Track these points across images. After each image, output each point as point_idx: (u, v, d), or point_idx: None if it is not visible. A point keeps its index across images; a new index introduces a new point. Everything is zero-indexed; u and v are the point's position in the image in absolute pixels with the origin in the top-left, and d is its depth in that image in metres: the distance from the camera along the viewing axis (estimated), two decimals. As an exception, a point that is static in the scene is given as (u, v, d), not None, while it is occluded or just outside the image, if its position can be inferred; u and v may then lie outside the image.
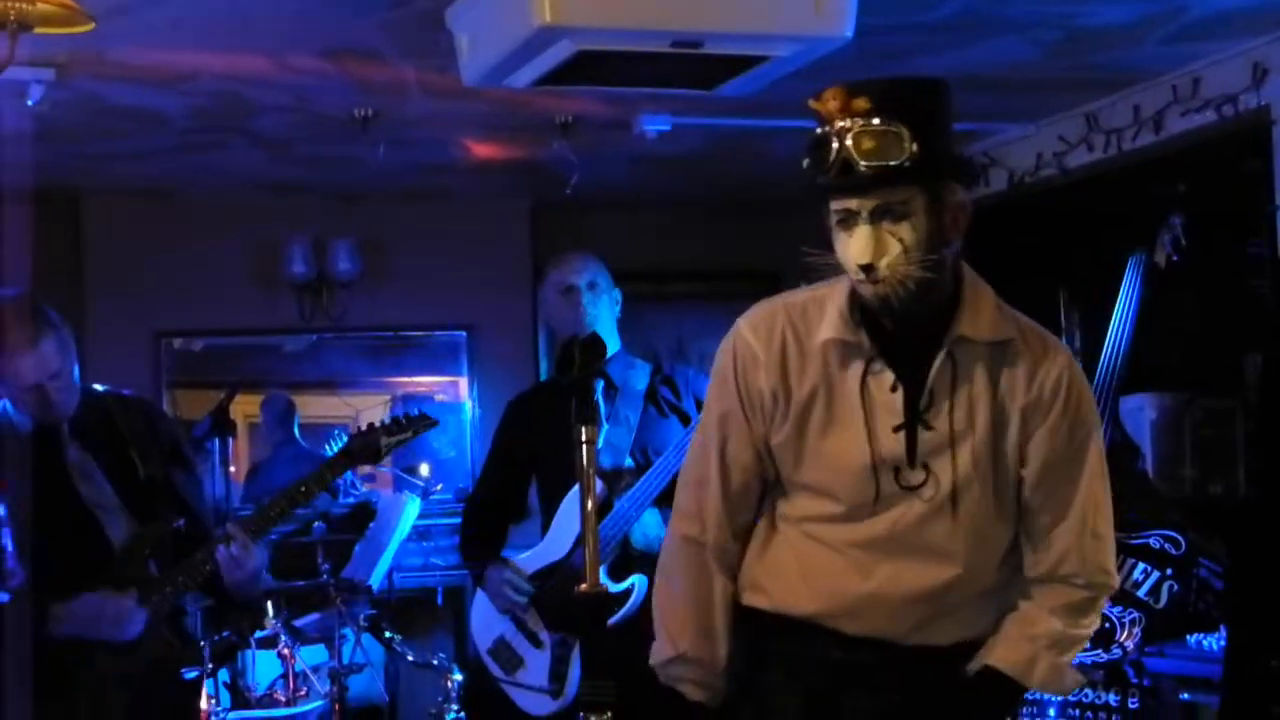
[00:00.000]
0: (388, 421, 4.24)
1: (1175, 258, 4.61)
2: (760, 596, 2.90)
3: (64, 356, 3.84)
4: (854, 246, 2.68)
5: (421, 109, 5.75)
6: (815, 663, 2.84)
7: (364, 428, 4.25)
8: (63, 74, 5.09)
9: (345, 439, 4.23)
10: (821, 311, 2.89)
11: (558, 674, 4.61)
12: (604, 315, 4.74)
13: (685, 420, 4.73)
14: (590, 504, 2.52)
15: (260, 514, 4.03)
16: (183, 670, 4.07)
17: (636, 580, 4.51)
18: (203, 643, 5.35)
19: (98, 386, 4.07)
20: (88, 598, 3.77)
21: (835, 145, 2.66)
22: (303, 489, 4.03)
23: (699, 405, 4.75)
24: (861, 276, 2.66)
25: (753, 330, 2.97)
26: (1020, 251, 6.91)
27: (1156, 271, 4.58)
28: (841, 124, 2.66)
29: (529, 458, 4.82)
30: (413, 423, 4.22)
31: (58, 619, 3.74)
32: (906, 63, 5.08)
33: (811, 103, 2.73)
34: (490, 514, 4.98)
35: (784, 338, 2.89)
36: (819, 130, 2.70)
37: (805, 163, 2.71)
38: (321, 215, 7.56)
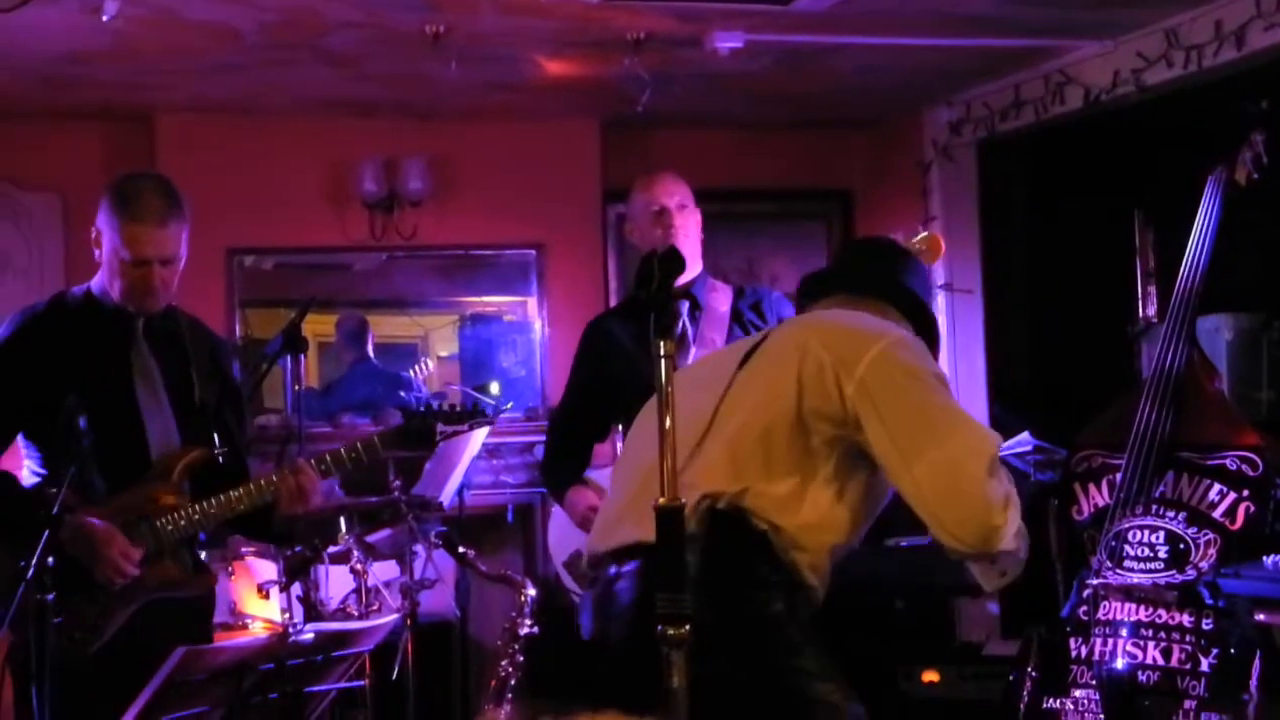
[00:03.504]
0: (445, 408, 4.22)
1: (1256, 176, 4.53)
2: None
3: (181, 246, 3.91)
4: None
5: (493, 24, 5.73)
6: None
7: (416, 410, 4.23)
8: (137, -12, 5.12)
9: (408, 401, 4.21)
10: None
11: None
12: (692, 237, 4.74)
13: None
14: (669, 420, 2.52)
15: (329, 456, 4.04)
16: (195, 593, 4.05)
17: None
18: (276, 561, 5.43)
19: (173, 302, 4.07)
20: (82, 525, 3.74)
21: None
22: (355, 450, 4.03)
23: None
24: None
25: None
26: (1095, 170, 6.86)
27: (1237, 189, 4.50)
28: None
29: (611, 376, 4.81)
30: (470, 416, 4.22)
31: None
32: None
33: None
34: (573, 434, 4.99)
35: None
36: None
37: None
38: (392, 133, 7.55)
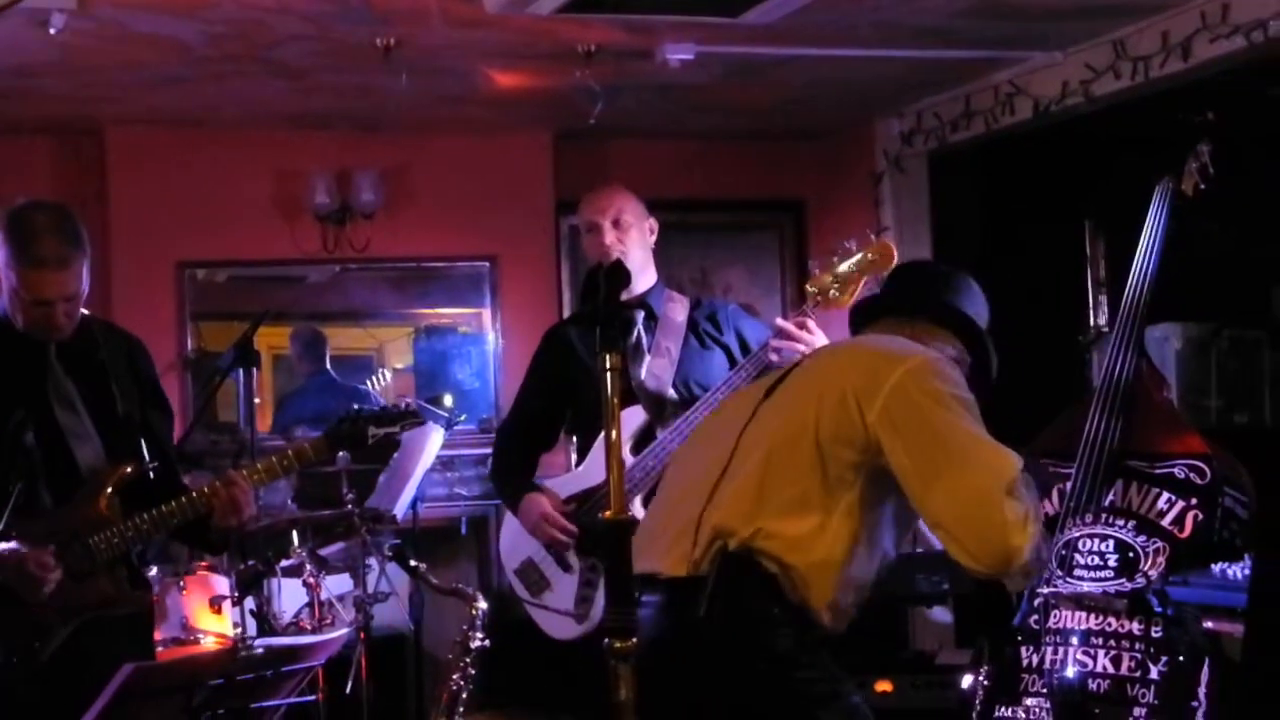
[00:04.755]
0: (376, 410, 4.19)
1: (1202, 186, 4.56)
2: None
3: (83, 280, 3.79)
4: None
5: (443, 37, 5.73)
6: None
7: (352, 412, 4.20)
8: (84, 3, 5.08)
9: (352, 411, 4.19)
10: None
11: (584, 598, 4.63)
12: (633, 250, 4.73)
13: (727, 353, 4.74)
14: (615, 432, 2.52)
15: (261, 465, 3.98)
16: (131, 609, 4.00)
17: None
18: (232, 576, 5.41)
19: (85, 312, 3.95)
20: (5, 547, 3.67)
21: None
22: (287, 457, 3.98)
23: (741, 340, 4.76)
24: None
25: None
26: (1046, 181, 6.90)
27: (1183, 200, 4.53)
28: None
29: (563, 386, 4.82)
30: (402, 417, 4.18)
31: None
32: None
33: None
34: (523, 441, 4.99)
35: None
36: None
37: None
38: (344, 146, 7.54)
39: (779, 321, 4.52)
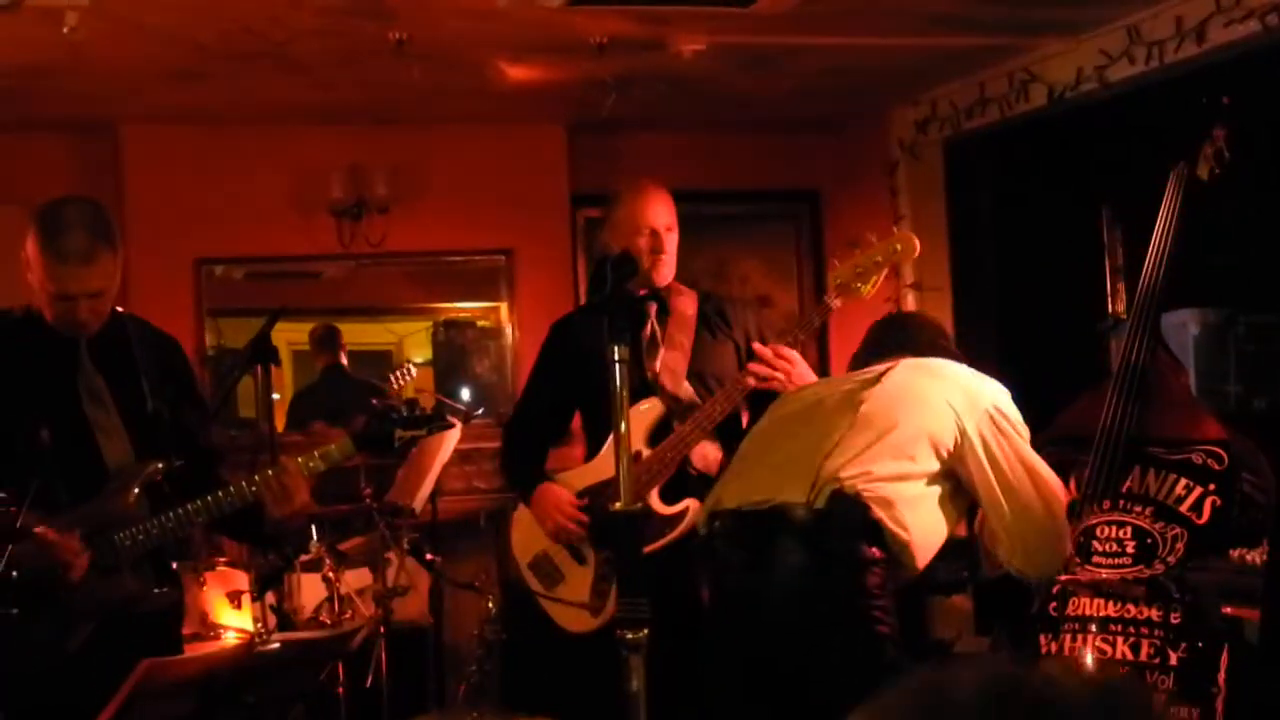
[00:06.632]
0: (405, 414, 4.16)
1: (1219, 171, 4.54)
2: None
3: (111, 279, 3.81)
4: None
5: (455, 31, 5.73)
6: None
7: (380, 413, 4.16)
8: (97, 0, 5.09)
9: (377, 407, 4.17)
10: None
11: (600, 591, 4.63)
12: (675, 254, 4.74)
13: (737, 349, 4.74)
14: (624, 423, 2.52)
15: (318, 452, 3.97)
16: (155, 607, 4.00)
17: (691, 504, 4.52)
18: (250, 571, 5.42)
19: (119, 309, 3.99)
20: (33, 538, 3.66)
21: None
22: (314, 458, 3.96)
23: (747, 335, 4.76)
24: None
25: None
26: (1062, 167, 6.87)
27: (1199, 185, 4.51)
28: None
29: (573, 378, 4.80)
30: (428, 419, 4.15)
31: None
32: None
33: None
34: (533, 435, 4.98)
35: None
36: None
37: None
38: (358, 140, 7.55)
39: (756, 346, 4.55)
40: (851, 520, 3.65)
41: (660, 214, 4.71)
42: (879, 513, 3.66)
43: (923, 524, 3.74)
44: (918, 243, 4.53)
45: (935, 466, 3.77)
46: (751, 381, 4.45)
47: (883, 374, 3.96)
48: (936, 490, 3.79)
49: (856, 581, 3.63)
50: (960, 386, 3.86)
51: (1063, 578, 4.20)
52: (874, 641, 3.63)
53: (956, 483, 3.82)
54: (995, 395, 3.86)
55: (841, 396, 3.96)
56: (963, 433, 3.74)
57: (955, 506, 3.86)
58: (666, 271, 4.72)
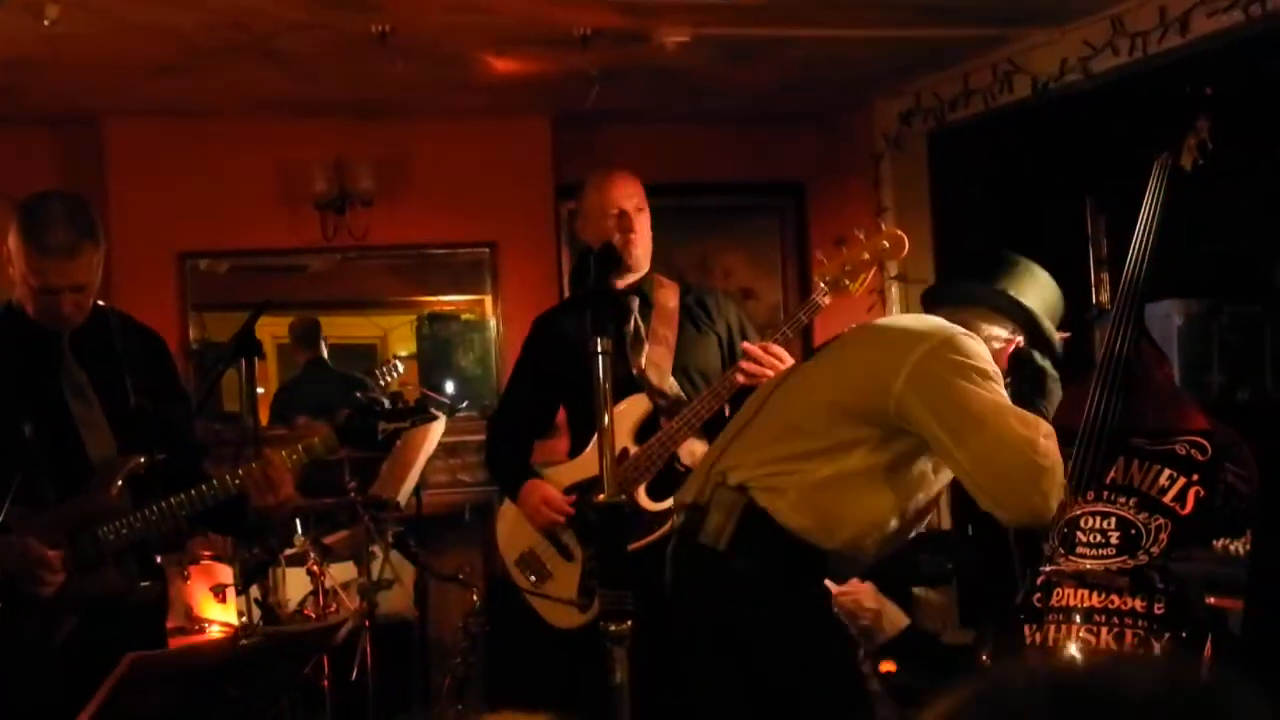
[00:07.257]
0: (388, 407, 4.16)
1: (1202, 161, 4.54)
2: None
3: (94, 273, 3.80)
4: None
5: (439, 22, 5.72)
6: None
7: (364, 406, 4.17)
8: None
9: (363, 397, 4.17)
10: None
11: (587, 588, 4.62)
12: (647, 236, 4.75)
13: (720, 342, 4.73)
14: (607, 416, 2.51)
15: (302, 445, 3.96)
16: (139, 601, 4.00)
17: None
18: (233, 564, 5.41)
19: (101, 304, 3.99)
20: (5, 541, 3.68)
21: None
22: (297, 451, 3.96)
23: (729, 328, 4.77)
24: None
25: None
26: (1046, 159, 6.88)
27: (1182, 175, 4.51)
28: None
29: (557, 373, 4.80)
30: (411, 412, 4.15)
31: None
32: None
33: None
34: (516, 430, 4.98)
35: None
36: None
37: None
38: (342, 133, 7.53)
39: (745, 345, 4.56)
40: (728, 513, 3.66)
41: (628, 194, 4.73)
42: (764, 502, 3.63)
43: (840, 504, 3.68)
44: (906, 240, 4.53)
45: (855, 438, 3.68)
46: (741, 379, 4.46)
47: (817, 350, 4.02)
48: (864, 463, 3.70)
49: (722, 574, 3.66)
50: (889, 342, 3.77)
51: (1046, 568, 4.20)
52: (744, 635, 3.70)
53: (901, 451, 3.72)
54: (943, 338, 3.70)
55: (770, 383, 4.03)
56: (888, 391, 3.62)
57: (901, 476, 3.75)
58: (640, 253, 4.71)
